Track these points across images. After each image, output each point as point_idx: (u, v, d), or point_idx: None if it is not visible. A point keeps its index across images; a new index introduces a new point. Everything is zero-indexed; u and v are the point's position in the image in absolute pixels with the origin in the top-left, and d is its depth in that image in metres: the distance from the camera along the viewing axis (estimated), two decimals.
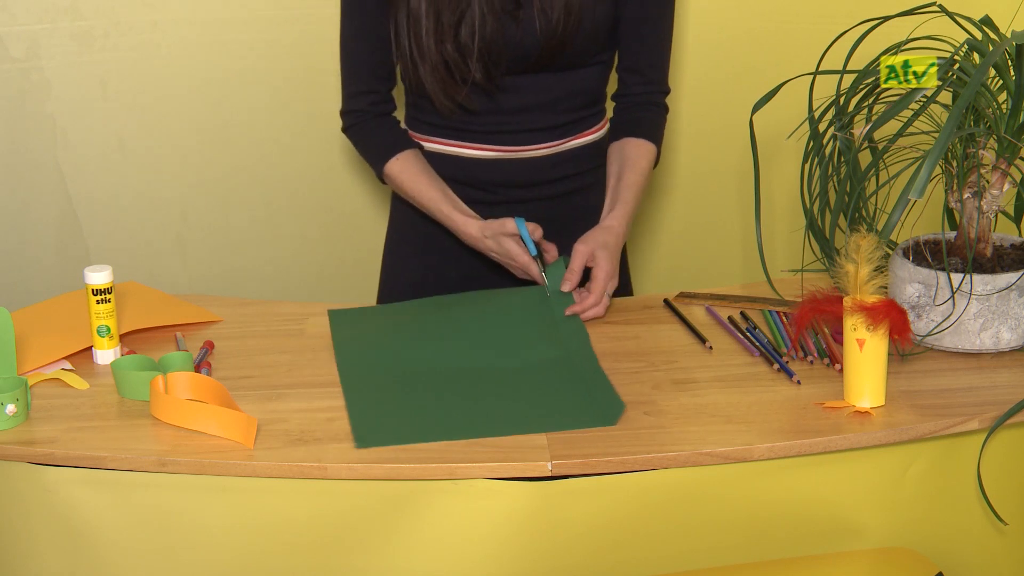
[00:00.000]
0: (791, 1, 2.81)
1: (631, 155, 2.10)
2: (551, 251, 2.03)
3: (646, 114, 2.14)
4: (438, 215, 2.06)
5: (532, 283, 2.03)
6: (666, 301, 2.07)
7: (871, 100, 1.89)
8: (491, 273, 2.12)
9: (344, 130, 2.14)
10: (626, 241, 2.30)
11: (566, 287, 1.96)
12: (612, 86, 2.19)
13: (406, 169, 2.08)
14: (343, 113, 2.13)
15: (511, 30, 2.01)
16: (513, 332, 1.92)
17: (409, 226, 2.20)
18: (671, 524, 1.65)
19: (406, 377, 1.81)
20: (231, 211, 2.85)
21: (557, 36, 2.00)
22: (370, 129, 2.11)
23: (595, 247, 1.97)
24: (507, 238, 1.98)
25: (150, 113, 2.73)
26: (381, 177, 2.12)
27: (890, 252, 1.90)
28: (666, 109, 2.17)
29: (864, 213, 1.89)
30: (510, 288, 2.05)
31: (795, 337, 1.87)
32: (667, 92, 2.17)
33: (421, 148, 2.14)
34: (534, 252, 1.97)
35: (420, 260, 2.21)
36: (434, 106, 2.07)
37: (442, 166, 2.13)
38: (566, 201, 2.17)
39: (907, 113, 1.75)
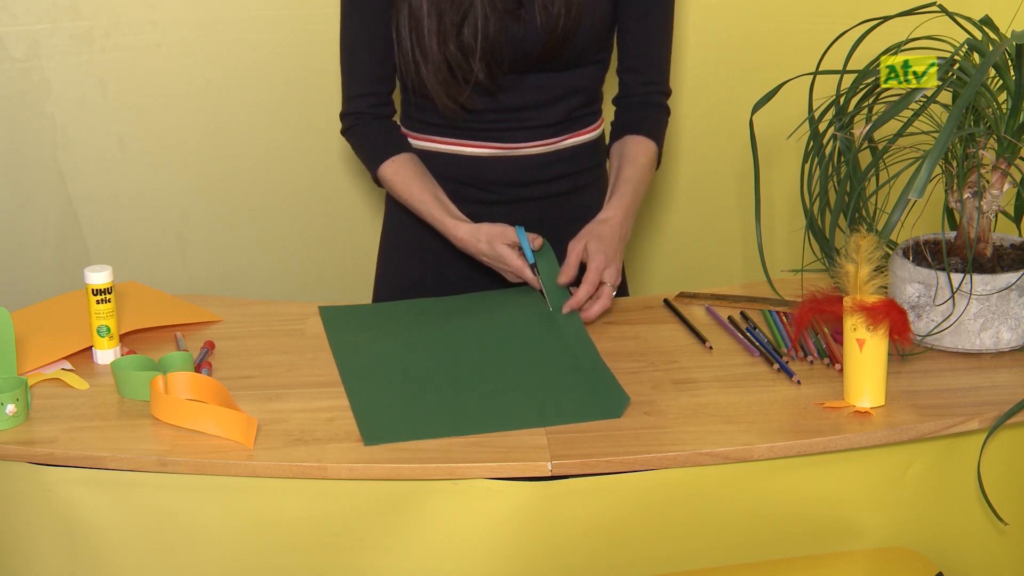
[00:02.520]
0: (791, 1, 2.81)
1: (630, 151, 2.11)
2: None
3: (647, 114, 2.14)
4: (429, 219, 2.06)
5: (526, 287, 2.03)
6: (666, 301, 2.07)
7: (871, 100, 1.89)
8: (485, 276, 2.11)
9: (343, 132, 2.14)
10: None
11: (561, 279, 1.96)
12: (611, 88, 2.19)
13: (399, 172, 2.08)
14: (342, 115, 2.13)
15: (513, 29, 2.01)
16: (511, 328, 1.93)
17: (404, 228, 2.20)
18: (671, 524, 1.65)
19: (408, 374, 1.81)
20: (231, 211, 2.85)
21: (558, 33, 2.01)
22: (368, 132, 2.11)
23: (587, 239, 1.97)
24: (502, 244, 1.97)
25: (150, 113, 2.73)
26: (376, 179, 2.12)
27: (890, 252, 1.90)
28: (667, 111, 2.17)
29: (864, 213, 1.89)
30: (504, 289, 2.05)
31: (795, 337, 1.87)
32: (668, 93, 2.17)
33: (419, 150, 2.14)
34: (532, 260, 1.97)
35: (415, 262, 2.21)
36: (435, 106, 2.07)
37: (439, 165, 2.13)
38: (562, 201, 2.17)
39: (907, 113, 1.75)
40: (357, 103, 2.10)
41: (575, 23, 2.01)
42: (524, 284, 2.02)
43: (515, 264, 1.97)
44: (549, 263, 1.99)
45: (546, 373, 1.80)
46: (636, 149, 2.11)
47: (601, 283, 1.95)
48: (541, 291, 1.98)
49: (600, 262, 1.94)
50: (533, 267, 1.97)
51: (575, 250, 1.96)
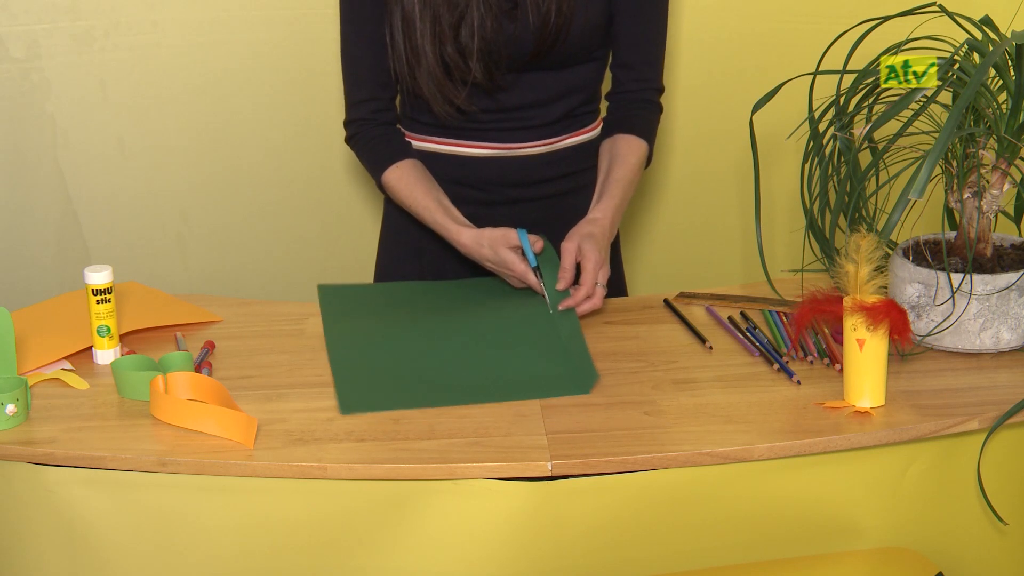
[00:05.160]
0: (791, 1, 2.81)
1: (621, 151, 2.10)
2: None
3: (639, 112, 2.14)
4: (433, 225, 2.06)
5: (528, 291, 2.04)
6: (666, 301, 2.07)
7: (871, 100, 1.89)
8: (484, 274, 2.11)
9: (347, 141, 2.13)
10: (621, 243, 2.31)
11: (560, 285, 1.96)
12: (606, 85, 2.19)
13: (403, 178, 2.08)
14: (346, 124, 2.12)
15: (509, 28, 2.01)
16: (501, 309, 1.97)
17: (402, 229, 2.20)
18: (671, 524, 1.65)
19: (392, 348, 1.87)
20: (231, 211, 2.85)
21: (550, 30, 2.00)
22: (371, 138, 2.10)
23: (580, 240, 1.97)
24: (505, 248, 1.97)
25: (150, 113, 2.73)
26: (380, 186, 2.11)
27: (890, 252, 1.90)
28: (660, 108, 2.17)
29: (864, 213, 1.89)
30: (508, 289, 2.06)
31: (795, 337, 1.87)
32: (661, 90, 2.17)
33: (418, 151, 2.14)
34: (534, 264, 1.97)
35: (413, 263, 2.21)
36: (431, 109, 2.07)
37: (438, 166, 2.13)
38: (560, 202, 2.17)
39: (907, 113, 1.75)
40: (359, 110, 2.10)
41: (567, 19, 2.01)
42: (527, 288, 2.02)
43: (519, 269, 1.96)
44: (551, 266, 1.99)
45: (526, 350, 1.85)
46: (627, 149, 2.11)
47: (595, 283, 1.95)
48: (543, 295, 1.98)
49: (596, 261, 1.94)
50: (535, 270, 1.97)
51: (570, 251, 1.96)
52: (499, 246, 1.97)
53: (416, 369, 1.81)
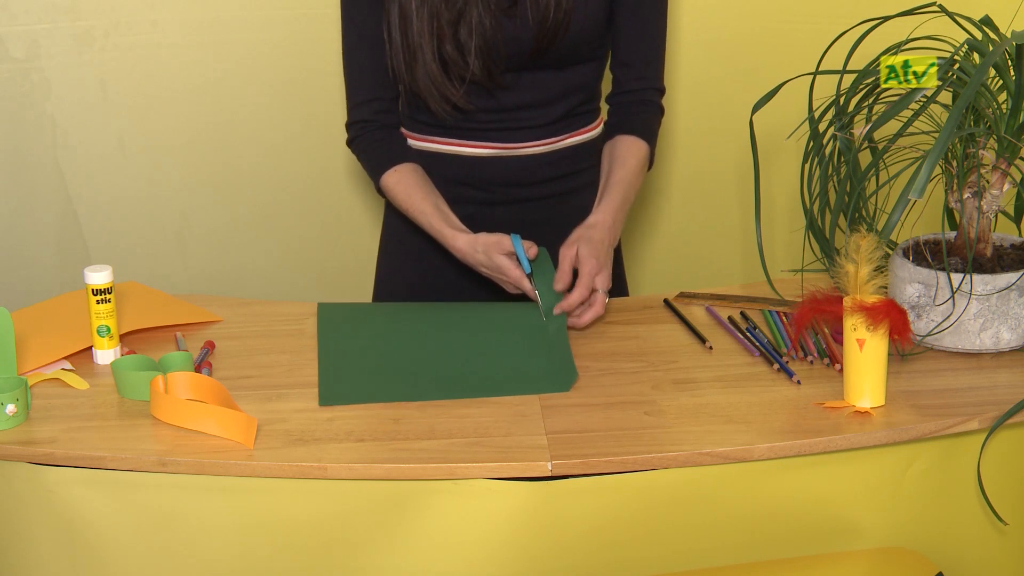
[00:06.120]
0: (791, 1, 2.81)
1: (621, 152, 2.10)
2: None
3: (640, 114, 2.14)
4: (429, 229, 2.05)
5: (524, 299, 2.03)
6: (666, 301, 2.07)
7: (871, 100, 1.89)
8: (484, 280, 2.11)
9: (348, 144, 2.13)
10: (622, 243, 2.30)
11: (558, 287, 1.95)
12: (606, 86, 2.18)
13: (401, 181, 2.07)
14: (348, 126, 2.12)
15: (508, 26, 2.01)
16: (492, 314, 1.99)
17: (403, 229, 2.19)
18: (671, 524, 1.65)
19: (374, 343, 1.90)
20: (231, 211, 2.85)
21: (549, 27, 2.00)
22: (371, 141, 2.10)
23: (577, 245, 1.96)
24: (500, 254, 1.97)
25: (150, 113, 2.73)
26: (379, 190, 2.11)
27: (890, 252, 1.90)
28: (661, 110, 2.16)
29: (864, 213, 1.89)
30: (506, 303, 2.06)
31: (795, 337, 1.87)
32: (662, 91, 2.16)
33: (418, 151, 2.14)
34: (528, 270, 1.96)
35: (414, 266, 2.20)
36: (428, 107, 2.06)
37: (438, 165, 2.12)
38: (561, 201, 2.17)
39: (907, 113, 1.75)
40: (361, 111, 2.10)
41: (566, 16, 2.01)
42: (523, 296, 2.01)
43: (514, 275, 1.96)
44: (545, 272, 1.98)
45: (508, 348, 1.87)
46: (627, 150, 2.10)
47: (593, 290, 1.93)
48: (537, 302, 1.97)
49: (592, 267, 1.93)
50: (529, 276, 1.96)
51: (567, 256, 1.95)
52: (493, 252, 1.96)
53: (396, 363, 1.83)
